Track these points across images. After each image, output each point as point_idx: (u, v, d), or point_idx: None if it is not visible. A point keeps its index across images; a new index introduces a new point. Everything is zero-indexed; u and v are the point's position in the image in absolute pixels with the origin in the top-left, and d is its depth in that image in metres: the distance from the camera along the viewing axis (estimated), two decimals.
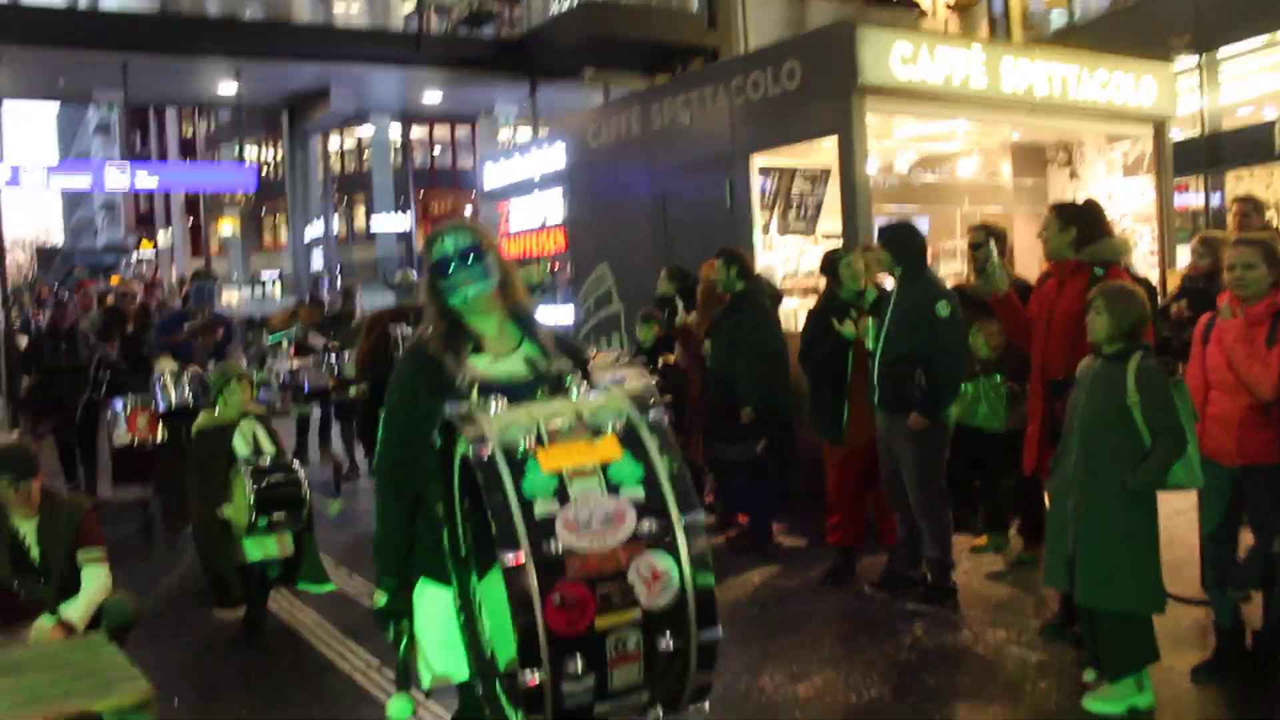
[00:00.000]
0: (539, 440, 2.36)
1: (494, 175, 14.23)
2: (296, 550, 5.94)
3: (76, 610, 4.51)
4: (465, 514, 2.65)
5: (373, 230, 41.37)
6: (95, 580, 4.62)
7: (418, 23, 23.33)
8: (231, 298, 30.67)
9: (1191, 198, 17.98)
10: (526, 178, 13.20)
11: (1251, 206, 7.34)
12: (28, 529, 4.62)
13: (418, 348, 2.96)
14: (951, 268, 9.55)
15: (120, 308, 9.45)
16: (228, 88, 23.97)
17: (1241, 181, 16.91)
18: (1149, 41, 14.69)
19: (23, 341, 13.76)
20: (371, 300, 16.17)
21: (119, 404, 8.10)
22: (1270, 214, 12.21)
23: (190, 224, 50.30)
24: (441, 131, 43.90)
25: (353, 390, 8.34)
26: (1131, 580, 4.28)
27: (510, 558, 2.21)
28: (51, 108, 62.46)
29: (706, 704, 2.40)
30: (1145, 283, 5.98)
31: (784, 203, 9.59)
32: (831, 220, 9.11)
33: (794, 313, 8.47)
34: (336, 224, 41.94)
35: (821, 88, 8.09)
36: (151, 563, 7.81)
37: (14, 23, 19.01)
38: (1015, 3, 18.25)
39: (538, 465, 2.31)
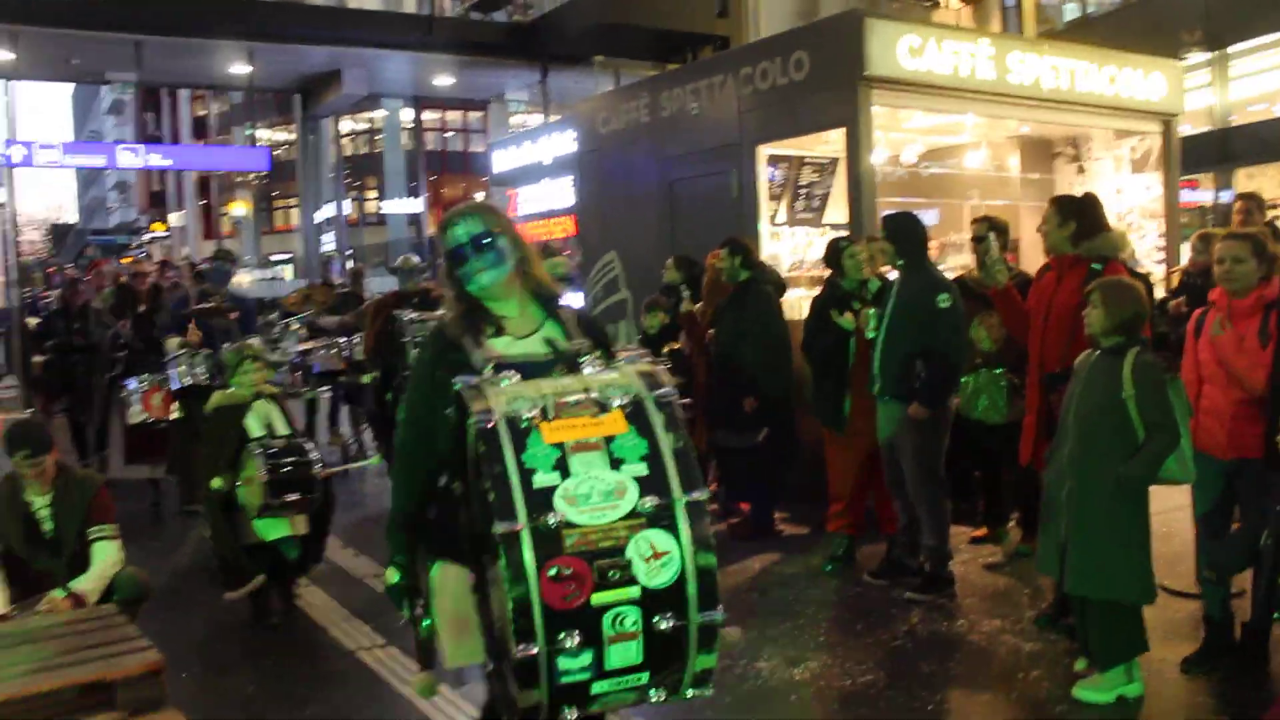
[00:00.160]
0: (544, 414, 2.35)
1: (503, 161, 14.32)
2: (315, 531, 5.99)
3: (88, 583, 4.63)
4: (477, 490, 2.59)
5: (384, 213, 41.50)
6: (107, 555, 4.74)
7: (430, 6, 23.39)
8: (243, 279, 30.76)
9: (1202, 194, 17.98)
10: (535, 163, 13.28)
11: (1255, 204, 7.38)
12: (42, 504, 4.74)
13: (439, 330, 2.94)
14: (959, 260, 9.59)
15: (133, 287, 9.51)
16: (240, 70, 24.06)
17: (1253, 179, 16.90)
18: (1162, 36, 14.71)
19: (32, 322, 13.83)
20: (381, 284, 16.26)
21: (133, 383, 8.16)
22: (1276, 212, 12.23)
23: (203, 205, 50.43)
24: (453, 116, 43.95)
25: (366, 378, 8.38)
26: (1121, 570, 4.34)
27: (506, 528, 2.20)
28: (66, 88, 62.57)
29: (708, 690, 2.38)
30: (1143, 278, 6.02)
31: (792, 193, 9.64)
32: (838, 211, 9.16)
33: (798, 302, 8.53)
34: (348, 207, 42.04)
35: (829, 79, 8.12)
36: (162, 541, 7.92)
37: (29, 3, 19.10)
38: None
39: (540, 437, 2.31)
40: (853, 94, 7.91)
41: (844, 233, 7.80)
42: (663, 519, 2.27)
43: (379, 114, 40.71)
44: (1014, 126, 10.02)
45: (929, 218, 9.79)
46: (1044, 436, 5.18)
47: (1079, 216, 5.44)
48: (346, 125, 43.03)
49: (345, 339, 9.88)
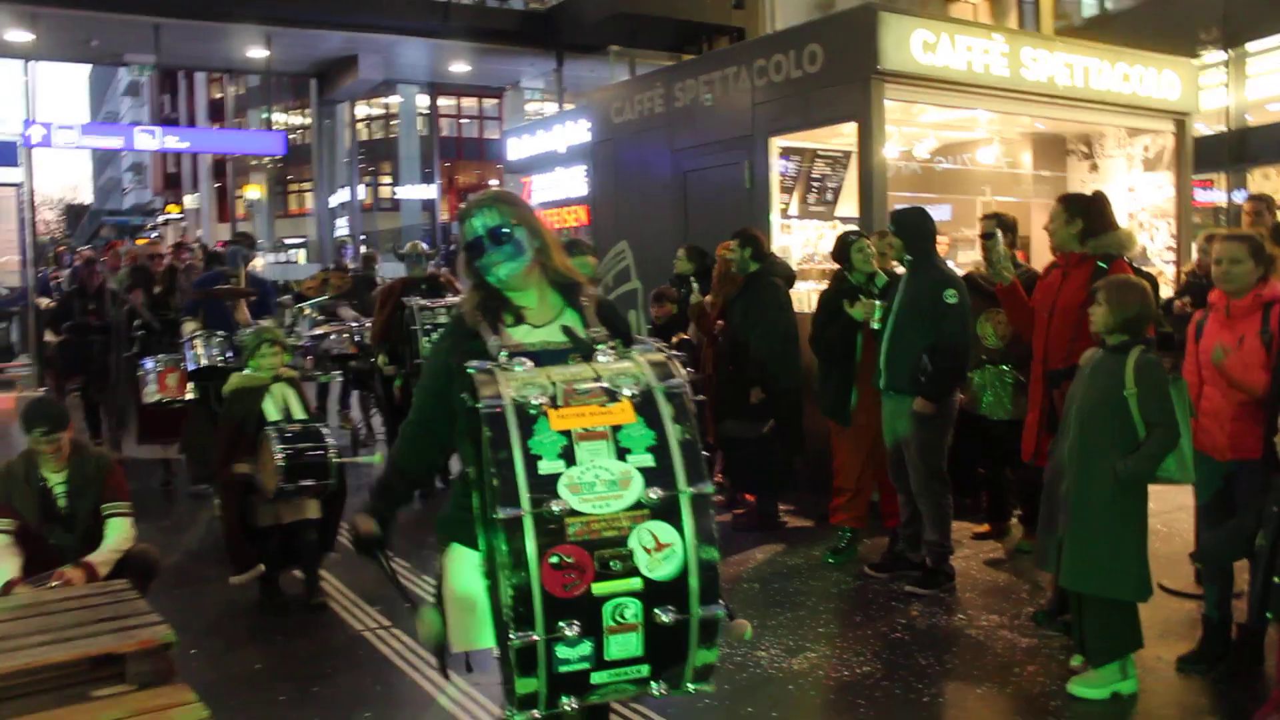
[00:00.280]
0: (553, 401, 2.35)
1: (517, 149, 14.36)
2: (327, 516, 6.01)
3: (100, 556, 4.71)
4: (486, 475, 2.56)
5: (398, 198, 41.58)
6: (119, 531, 4.83)
7: None
8: (256, 262, 30.90)
9: (1217, 194, 17.91)
10: (549, 151, 13.33)
11: (1265, 205, 7.38)
12: (57, 480, 4.82)
13: (458, 318, 2.91)
14: (970, 256, 9.61)
15: (148, 268, 9.58)
16: (257, 53, 24.16)
17: (1269, 179, 16.84)
18: (1179, 34, 14.65)
19: (43, 302, 13.92)
20: (394, 269, 16.33)
21: (150, 362, 8.22)
22: None
23: (217, 188, 50.59)
24: (468, 103, 44.01)
25: (382, 360, 8.42)
26: (1117, 567, 4.38)
27: (509, 513, 2.20)
28: (83, 69, 62.82)
29: (710, 686, 2.38)
30: (1149, 277, 6.05)
31: (804, 185, 9.67)
32: (850, 205, 9.19)
33: (807, 295, 8.57)
34: (362, 191, 42.15)
35: (842, 72, 8.15)
36: (172, 520, 8.00)
37: None
38: None
39: (548, 424, 2.30)
40: (865, 88, 7.94)
41: (854, 226, 7.84)
42: (667, 511, 2.26)
43: (394, 99, 40.78)
44: (1027, 123, 10.04)
45: (941, 213, 9.83)
46: (1047, 433, 5.22)
47: (1086, 214, 5.46)
48: (362, 110, 43.13)
49: (357, 323, 9.95)
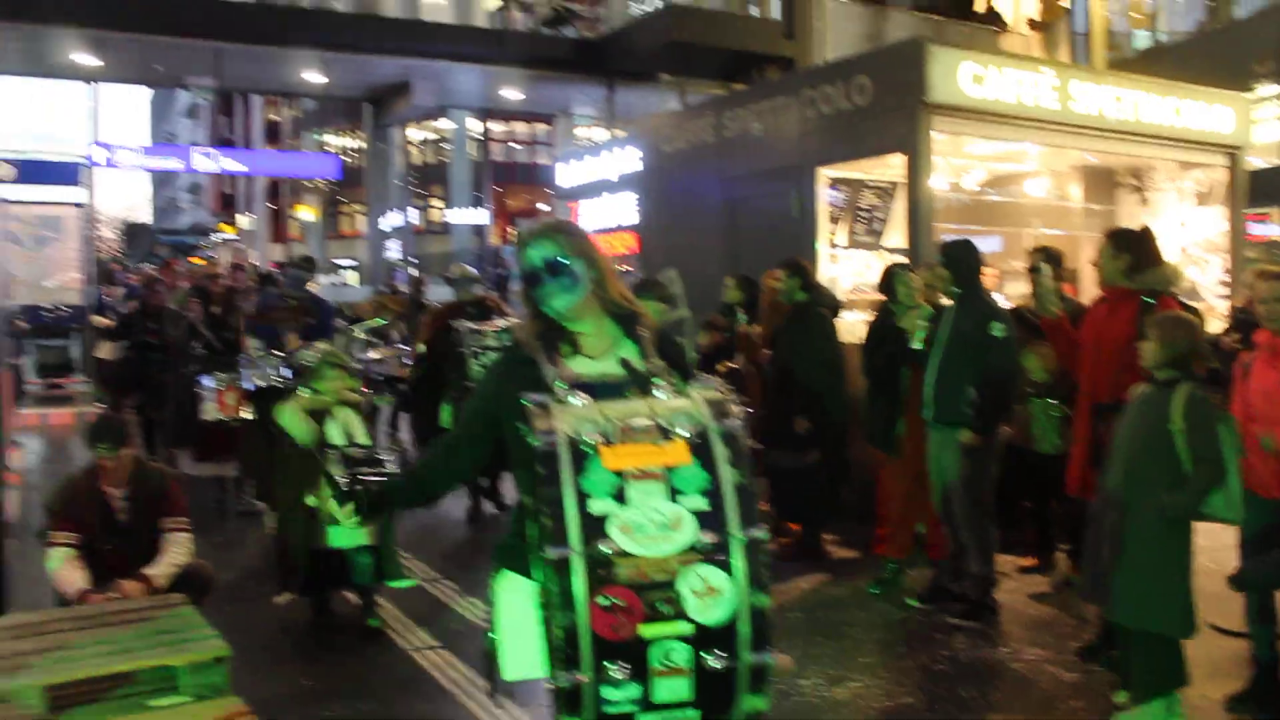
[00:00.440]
0: (607, 438, 2.32)
1: (567, 175, 14.49)
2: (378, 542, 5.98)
3: (159, 569, 4.85)
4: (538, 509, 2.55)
5: (448, 222, 41.95)
6: (177, 545, 4.97)
7: (502, 20, 23.78)
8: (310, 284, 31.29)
9: (1274, 228, 17.68)
10: (600, 179, 13.44)
11: None
12: (118, 494, 4.98)
13: (515, 345, 2.90)
14: (1019, 289, 9.61)
15: (207, 288, 9.77)
16: (314, 78, 24.58)
17: None
18: (1234, 66, 14.53)
19: (99, 320, 14.20)
20: (445, 293, 16.50)
21: (209, 381, 8.31)
22: None
23: (272, 209, 51.29)
24: (520, 127, 44.39)
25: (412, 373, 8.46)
26: (1161, 602, 4.36)
27: (558, 554, 2.19)
28: (144, 90, 64.03)
29: None
30: (1194, 312, 6.04)
31: (852, 215, 9.71)
32: (898, 235, 9.22)
33: (855, 325, 8.59)
34: (413, 215, 42.56)
35: (890, 104, 8.21)
36: (225, 537, 8.14)
37: (117, 8, 19.73)
38: (1098, 23, 18.09)
39: (601, 462, 2.28)
40: (914, 120, 8.00)
41: (900, 258, 7.86)
42: (718, 555, 2.24)
43: (446, 124, 41.22)
44: (1077, 156, 10.03)
45: (990, 245, 9.84)
46: (1092, 467, 5.21)
47: (1133, 249, 5.46)
48: (414, 134, 43.61)
49: (406, 346, 10.07)
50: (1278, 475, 4.52)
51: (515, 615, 2.75)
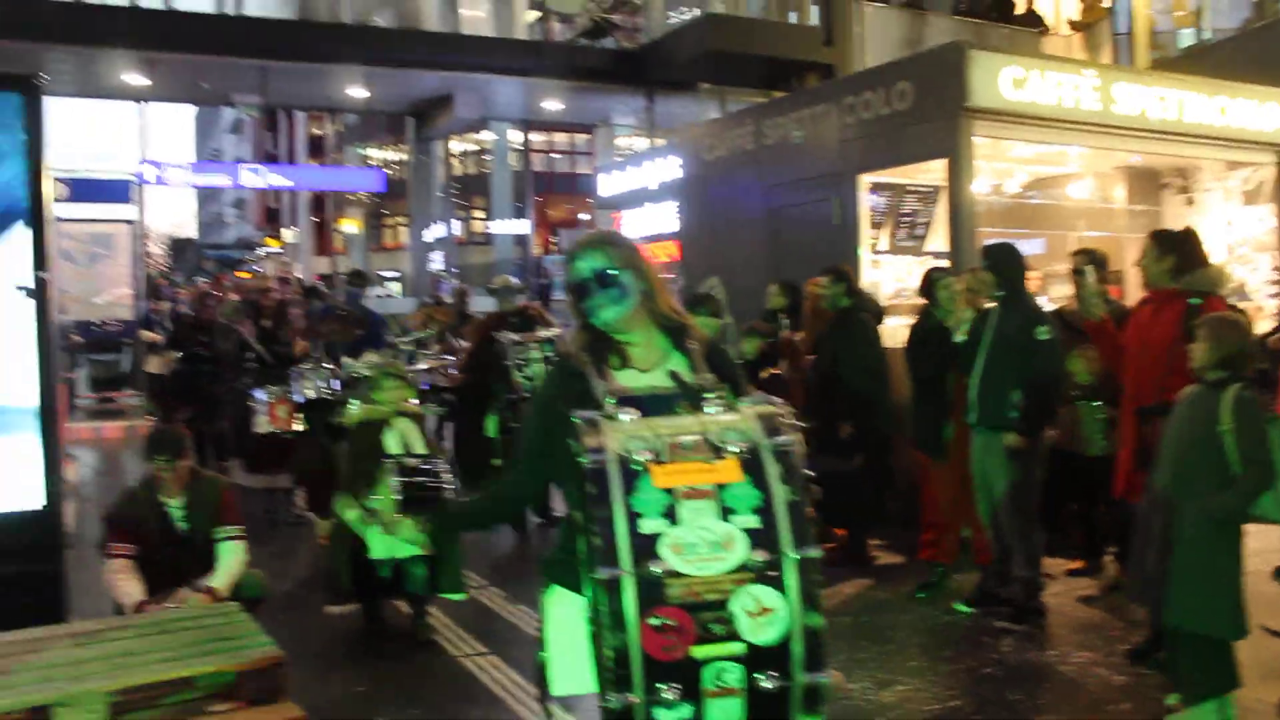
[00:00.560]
0: (657, 456, 2.29)
1: (609, 185, 14.58)
2: (436, 554, 5.91)
3: (220, 580, 4.97)
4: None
5: (490, 233, 42.21)
6: (233, 554, 5.08)
7: (541, 32, 23.96)
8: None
9: None
10: (640, 188, 13.52)
11: None
12: (176, 505, 5.09)
13: (564, 359, 2.89)
14: (1062, 291, 9.56)
15: (258, 302, 9.91)
16: (358, 93, 24.87)
17: None
18: None
19: (145, 335, 14.44)
20: (488, 304, 16.62)
21: (261, 394, 8.40)
22: None
23: (315, 222, 51.82)
24: (560, 138, 44.60)
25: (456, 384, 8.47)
26: (1210, 603, 4.34)
27: (609, 574, 2.17)
28: (189, 108, 64.96)
29: None
30: (1241, 313, 5.99)
31: (894, 221, 9.71)
32: (940, 240, 9.21)
33: (898, 330, 8.59)
34: (455, 226, 42.85)
35: (931, 109, 8.21)
36: (275, 547, 8.25)
37: (167, 29, 20.13)
38: (1141, 22, 17.91)
39: (651, 481, 2.25)
40: (955, 125, 7.99)
41: (942, 263, 7.85)
42: (771, 575, 2.20)
43: (487, 135, 41.50)
44: (1120, 157, 9.96)
45: (1033, 248, 9.80)
46: (1138, 469, 5.19)
47: (1178, 251, 5.45)
48: (456, 146, 43.91)
49: (451, 356, 10.16)
50: None
51: (565, 631, 2.73)
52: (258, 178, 24.69)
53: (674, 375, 2.76)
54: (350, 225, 46.22)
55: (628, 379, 2.77)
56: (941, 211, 9.25)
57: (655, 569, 2.17)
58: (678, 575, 2.18)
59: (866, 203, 9.09)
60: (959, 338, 6.26)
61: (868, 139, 8.81)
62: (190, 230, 74.17)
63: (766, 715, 2.23)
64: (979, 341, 6.09)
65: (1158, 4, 19.93)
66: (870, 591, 6.79)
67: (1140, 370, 5.38)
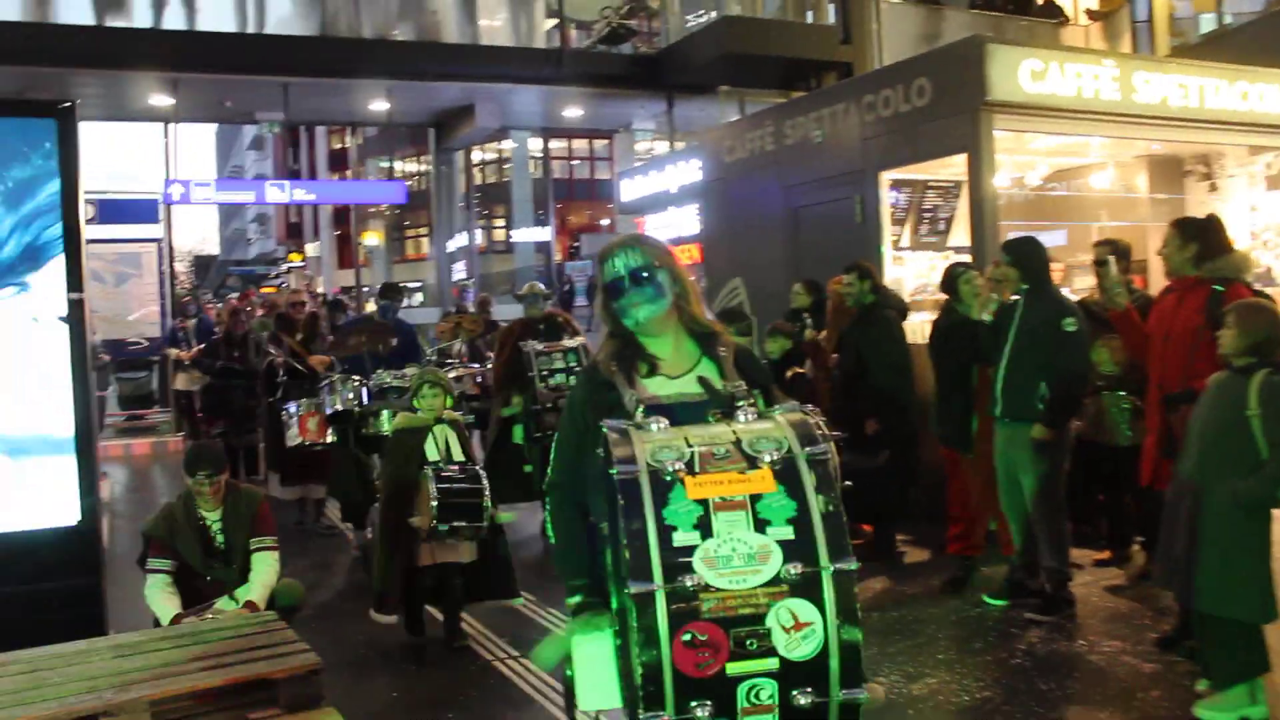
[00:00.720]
0: (689, 466, 2.24)
1: (630, 190, 14.65)
2: (481, 560, 5.98)
3: (257, 592, 5.05)
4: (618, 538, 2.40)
5: (512, 241, 42.45)
6: (269, 565, 5.16)
7: (560, 39, 24.05)
8: (370, 306, 31.88)
9: None
10: (661, 191, 13.58)
11: None
12: (214, 518, 5.18)
13: (592, 368, 2.84)
14: (1086, 282, 9.54)
15: (290, 315, 10.00)
16: (379, 106, 25.03)
17: None
18: None
19: (172, 353, 14.60)
20: (510, 311, 16.72)
21: (293, 406, 8.45)
22: None
23: (338, 235, 52.16)
24: (579, 144, 44.76)
25: (506, 410, 8.40)
26: (1241, 588, 4.36)
27: (641, 588, 2.11)
28: (210, 126, 65.50)
29: None
30: (1266, 299, 5.98)
31: (916, 216, 9.72)
32: (963, 234, 9.21)
33: (920, 326, 8.60)
34: (477, 235, 43.09)
35: (951, 105, 8.22)
36: (307, 558, 8.35)
37: (189, 50, 20.34)
38: (1160, 8, 17.81)
39: (684, 491, 2.19)
40: (975, 119, 8.00)
41: (964, 258, 7.86)
42: (807, 588, 2.13)
43: (507, 144, 41.73)
44: (1142, 146, 9.93)
45: (1055, 239, 9.79)
46: (1165, 457, 5.20)
47: (1200, 238, 5.45)
48: (476, 155, 44.13)
49: (478, 364, 10.21)
50: None
51: (592, 644, 2.67)
52: (282, 193, 24.89)
53: (704, 382, 2.71)
54: (372, 238, 46.52)
55: (657, 386, 2.73)
56: (963, 206, 9.24)
57: (688, 583, 2.11)
58: (711, 589, 2.12)
59: (888, 200, 9.10)
60: (985, 318, 6.26)
61: (888, 136, 8.83)
62: (213, 247, 74.76)
63: None
64: (1004, 334, 6.10)
65: None
66: (898, 586, 6.81)
67: (1165, 359, 5.38)
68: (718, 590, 2.12)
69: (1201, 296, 5.25)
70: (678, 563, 2.13)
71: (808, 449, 2.28)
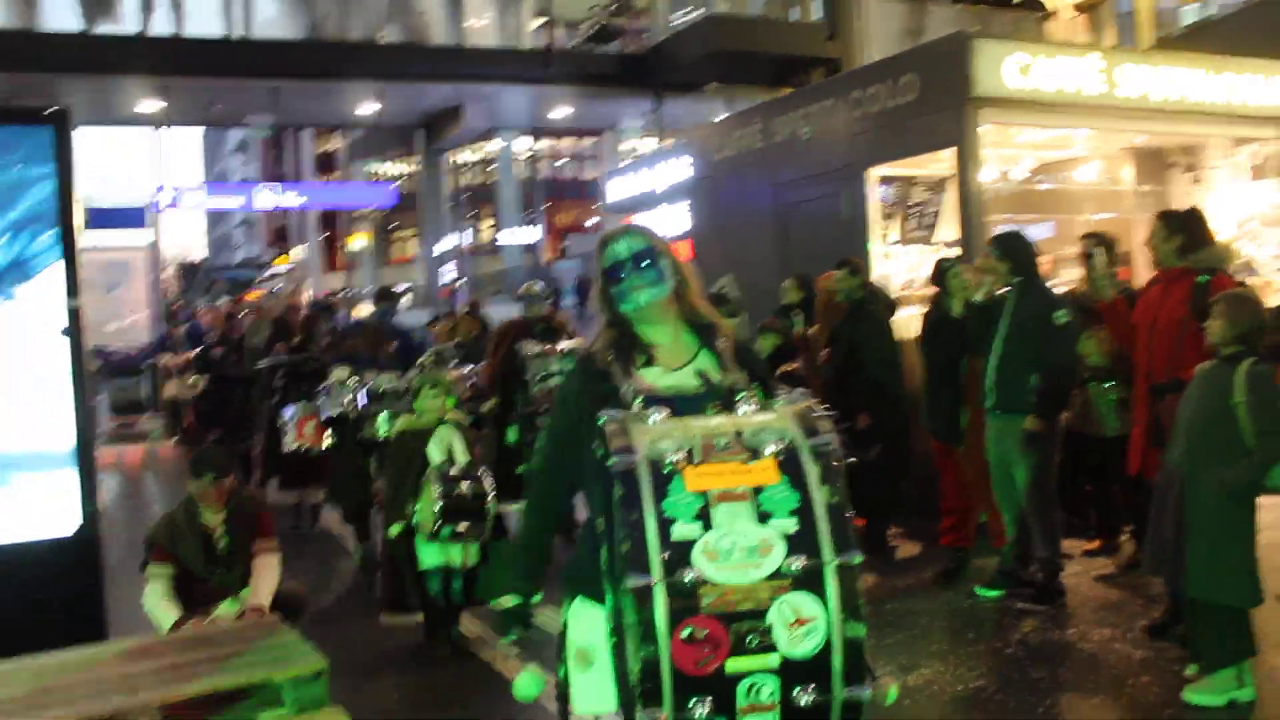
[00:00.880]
0: (689, 457, 2.19)
1: (617, 189, 14.67)
2: (484, 562, 5.95)
3: (262, 595, 5.08)
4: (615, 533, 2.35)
5: (499, 243, 42.38)
6: (272, 569, 5.20)
7: (547, 39, 24.11)
8: (361, 310, 31.87)
9: None
10: (650, 190, 13.61)
11: None
12: (217, 522, 5.22)
13: (587, 358, 2.79)
14: (1073, 274, 9.62)
15: (287, 320, 10.00)
16: (368, 109, 25.08)
17: None
18: None
19: (163, 358, 14.60)
20: (497, 313, 16.73)
21: (290, 411, 8.43)
22: None
23: (324, 239, 52.04)
24: (566, 144, 44.70)
25: (484, 407, 8.35)
26: (1228, 573, 4.44)
27: (639, 582, 2.07)
28: (195, 131, 65.26)
29: None
30: (1249, 289, 6.06)
31: (903, 212, 9.79)
32: (951, 228, 9.28)
33: (909, 321, 8.67)
34: (465, 236, 43.02)
35: (937, 100, 8.29)
36: (305, 560, 8.36)
37: (179, 55, 20.37)
38: (1143, 1, 17.93)
39: (683, 484, 2.15)
40: (961, 114, 8.07)
41: (954, 251, 7.93)
42: (810, 582, 2.09)
43: (493, 145, 41.65)
44: (1126, 139, 10.01)
45: (1042, 232, 9.86)
46: (1152, 446, 5.28)
47: (1184, 230, 5.53)
48: (462, 156, 44.06)
49: (471, 366, 10.21)
50: None
51: (587, 646, 2.65)
52: (273, 197, 24.93)
53: (702, 374, 2.67)
54: (360, 240, 46.43)
55: (654, 378, 2.68)
56: (950, 200, 9.32)
57: (688, 577, 2.07)
58: (711, 583, 2.07)
59: (876, 195, 9.17)
60: (977, 298, 6.31)
61: (875, 132, 8.90)
62: (200, 253, 74.55)
63: None
64: (994, 327, 6.16)
65: None
66: (891, 579, 6.88)
67: (1152, 349, 5.46)
68: (718, 584, 2.07)
69: (1186, 287, 5.33)
70: (677, 557, 2.08)
71: (811, 440, 2.24)
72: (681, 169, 12.28)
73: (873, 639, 5.31)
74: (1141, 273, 9.14)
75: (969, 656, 5.39)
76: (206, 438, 11.06)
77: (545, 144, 42.56)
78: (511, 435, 8.31)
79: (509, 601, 2.88)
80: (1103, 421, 6.65)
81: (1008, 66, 8.12)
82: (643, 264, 2.72)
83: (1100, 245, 6.24)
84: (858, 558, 2.12)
